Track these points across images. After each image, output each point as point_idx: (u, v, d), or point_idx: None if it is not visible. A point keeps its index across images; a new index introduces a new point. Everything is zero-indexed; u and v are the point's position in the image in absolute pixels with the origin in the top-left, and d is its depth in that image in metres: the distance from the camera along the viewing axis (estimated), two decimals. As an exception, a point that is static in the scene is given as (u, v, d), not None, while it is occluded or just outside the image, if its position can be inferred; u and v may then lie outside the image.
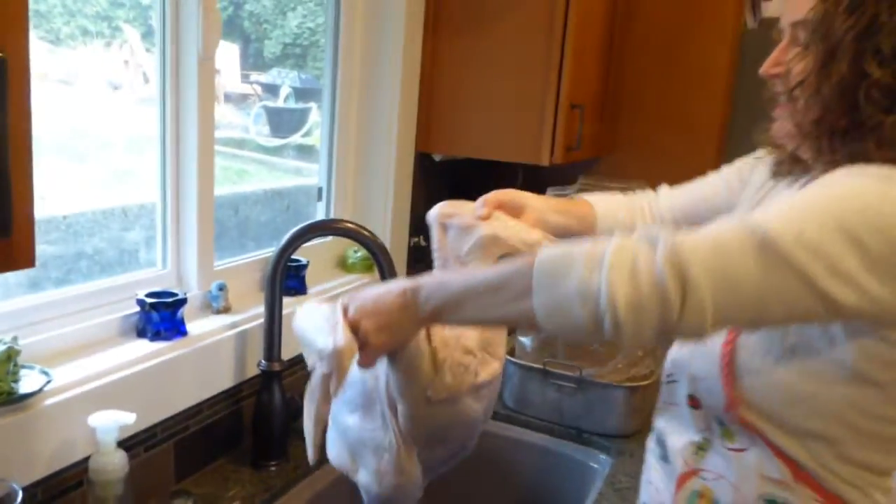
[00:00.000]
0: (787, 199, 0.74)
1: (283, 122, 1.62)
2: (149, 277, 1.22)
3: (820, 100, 0.76)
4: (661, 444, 0.94)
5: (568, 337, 0.70)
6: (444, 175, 1.90)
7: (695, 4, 1.92)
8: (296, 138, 1.64)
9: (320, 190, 1.65)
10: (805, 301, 0.66)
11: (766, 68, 0.84)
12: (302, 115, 1.63)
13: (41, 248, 1.04)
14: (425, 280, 0.79)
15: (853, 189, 0.70)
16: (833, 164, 0.76)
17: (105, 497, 0.93)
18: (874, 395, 0.74)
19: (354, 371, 0.89)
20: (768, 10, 1.90)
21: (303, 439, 0.95)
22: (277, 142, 1.61)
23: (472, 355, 0.92)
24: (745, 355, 0.79)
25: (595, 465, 1.42)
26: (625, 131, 2.05)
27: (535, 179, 2.08)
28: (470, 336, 0.93)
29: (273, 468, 1.23)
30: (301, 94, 1.61)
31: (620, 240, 0.68)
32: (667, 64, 1.98)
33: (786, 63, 0.81)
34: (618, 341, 0.67)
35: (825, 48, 0.75)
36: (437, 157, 1.81)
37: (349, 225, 1.21)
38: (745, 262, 0.65)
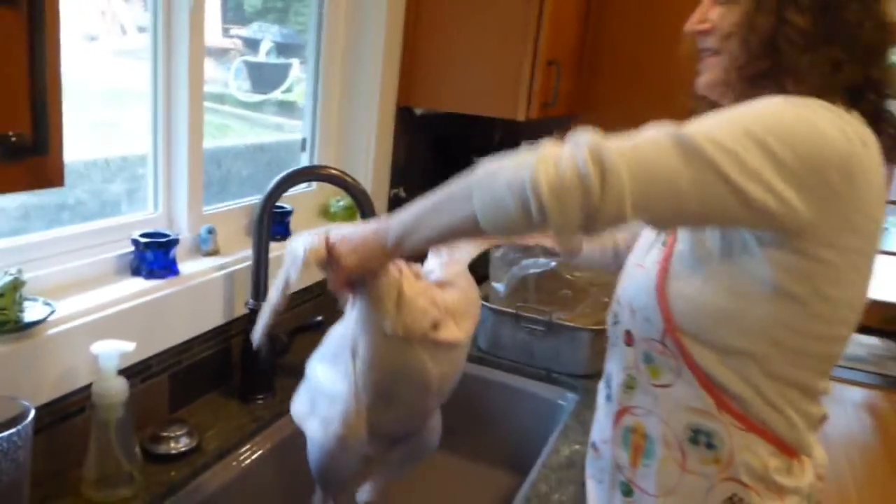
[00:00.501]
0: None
1: (263, 77, 1.63)
2: (142, 220, 1.28)
3: (746, 48, 0.83)
4: (608, 384, 1.01)
5: (506, 231, 0.76)
6: (424, 128, 1.96)
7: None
8: (276, 94, 1.66)
9: (304, 141, 1.70)
10: (718, 194, 0.72)
11: (692, 25, 0.91)
12: (283, 71, 1.65)
13: (22, 199, 1.10)
14: (394, 219, 0.87)
15: (769, 106, 0.77)
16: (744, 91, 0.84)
17: (107, 420, 1.00)
18: (797, 311, 0.81)
19: (334, 329, 1.01)
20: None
21: (291, 374, 1.12)
22: (258, 97, 1.62)
23: (436, 309, 0.97)
24: (676, 281, 0.86)
25: (563, 403, 1.52)
26: (601, 89, 2.10)
27: (513, 134, 2.15)
28: (440, 294, 0.99)
29: (260, 401, 1.31)
30: (282, 49, 1.62)
31: (548, 144, 0.74)
32: (644, 24, 2.02)
33: (711, 19, 0.88)
34: (547, 227, 0.72)
35: (751, 2, 0.82)
36: (418, 111, 1.87)
37: (333, 171, 1.27)
38: (661, 153, 0.72)
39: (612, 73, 2.09)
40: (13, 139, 0.50)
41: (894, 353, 4.81)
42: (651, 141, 0.73)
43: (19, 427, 0.82)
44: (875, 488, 3.16)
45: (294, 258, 0.89)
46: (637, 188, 0.70)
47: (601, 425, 1.03)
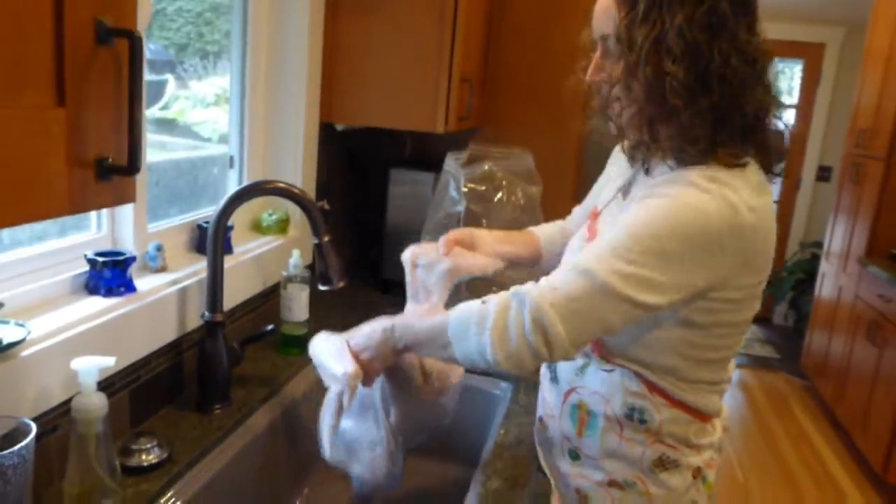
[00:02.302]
0: (607, 235, 0.94)
1: None
2: (87, 240, 1.28)
3: (634, 97, 0.95)
4: (552, 368, 1.17)
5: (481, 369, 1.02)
6: (344, 143, 2.04)
7: (560, -9, 2.17)
8: (154, 111, 1.59)
9: (232, 158, 1.74)
10: (636, 314, 0.90)
11: (590, 75, 1.02)
12: (158, 88, 1.61)
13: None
14: (398, 321, 1.08)
15: (657, 212, 0.90)
16: (660, 149, 0.98)
17: (86, 435, 1.02)
18: (701, 334, 0.99)
19: (369, 391, 1.22)
20: None
21: (244, 383, 1.36)
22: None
23: (447, 365, 1.20)
24: None
25: (497, 392, 1.64)
26: (501, 106, 2.27)
27: (422, 146, 2.27)
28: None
29: (218, 411, 1.34)
30: (154, 65, 1.58)
31: (499, 302, 0.94)
32: (536, 46, 2.21)
33: (606, 70, 0.99)
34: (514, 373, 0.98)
35: (631, 55, 0.92)
36: (339, 127, 1.95)
37: (281, 185, 1.33)
38: (586, 301, 0.90)
39: (509, 91, 2.26)
40: (109, 161, 0.56)
41: (757, 336, 5.34)
42: (574, 287, 0.90)
43: (26, 441, 0.84)
44: (752, 457, 3.53)
45: (340, 385, 1.09)
46: (572, 335, 0.90)
47: (547, 402, 1.18)
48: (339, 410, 1.11)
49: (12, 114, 0.49)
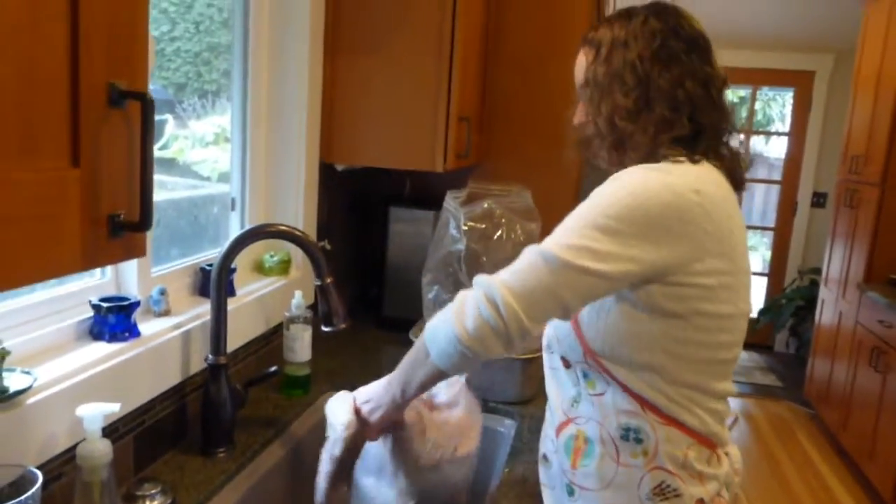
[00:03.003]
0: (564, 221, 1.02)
1: None
2: (92, 286, 1.29)
3: (601, 130, 1.09)
4: (550, 404, 1.18)
5: (465, 370, 1.13)
6: (344, 182, 2.06)
7: (555, 25, 2.20)
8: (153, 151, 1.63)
9: (233, 200, 1.76)
10: (587, 283, 0.96)
11: (575, 120, 1.17)
12: (157, 128, 1.64)
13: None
14: (396, 374, 1.15)
15: (602, 195, 0.99)
16: (622, 165, 1.08)
17: (92, 482, 1.02)
18: (680, 325, 1.01)
19: (373, 444, 1.26)
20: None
21: (248, 426, 1.41)
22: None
23: (453, 436, 1.25)
24: (583, 317, 1.06)
25: (502, 429, 1.64)
26: (499, 141, 2.30)
27: (422, 185, 2.30)
28: (453, 423, 1.27)
29: (221, 454, 1.34)
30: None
31: (463, 292, 1.02)
32: (532, 80, 2.25)
33: (587, 114, 1.13)
34: (488, 358, 0.99)
35: (595, 93, 1.09)
36: (339, 167, 1.97)
37: (283, 228, 1.35)
38: (534, 273, 0.96)
39: (507, 127, 2.29)
40: (121, 217, 0.57)
41: (758, 364, 5.33)
42: (525, 265, 0.97)
43: (32, 490, 0.84)
44: (758, 486, 3.49)
45: (335, 434, 1.20)
46: (526, 309, 0.95)
47: (549, 438, 1.18)
48: (332, 460, 1.20)
49: (29, 177, 0.51)
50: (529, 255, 0.98)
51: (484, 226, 1.70)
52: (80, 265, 0.56)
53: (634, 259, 0.95)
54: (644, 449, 1.03)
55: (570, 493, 1.11)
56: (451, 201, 1.71)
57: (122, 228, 0.58)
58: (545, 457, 1.20)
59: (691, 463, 1.04)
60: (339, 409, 1.20)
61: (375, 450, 1.26)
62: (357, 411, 1.19)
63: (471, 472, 1.31)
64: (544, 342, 1.19)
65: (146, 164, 0.59)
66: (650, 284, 0.98)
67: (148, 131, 0.59)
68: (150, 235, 1.36)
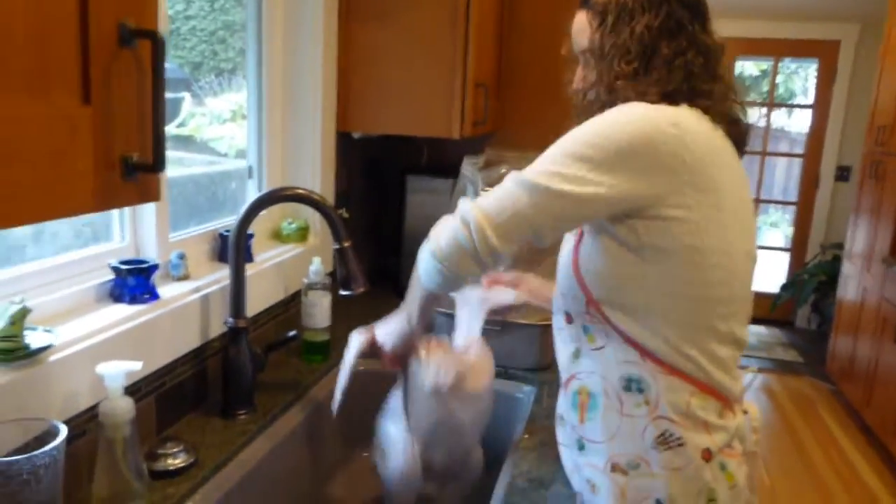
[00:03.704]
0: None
1: None
2: (111, 250, 1.31)
3: (598, 95, 1.08)
4: (558, 363, 1.19)
5: (450, 289, 1.14)
6: (361, 151, 2.05)
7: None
8: (171, 129, 1.63)
9: (250, 168, 1.76)
10: (559, 206, 0.97)
11: (575, 84, 1.16)
12: (174, 105, 1.65)
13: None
14: (403, 306, 1.26)
15: (583, 126, 1.00)
16: None
17: (114, 438, 1.03)
18: (672, 262, 1.00)
19: (392, 393, 1.35)
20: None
21: (268, 389, 1.45)
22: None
23: (460, 366, 1.29)
24: (584, 262, 1.06)
25: (520, 395, 1.64)
26: (517, 108, 2.28)
27: (439, 153, 2.28)
28: (461, 357, 1.32)
29: (242, 416, 1.35)
30: (170, 83, 1.58)
31: (445, 216, 1.06)
32: (549, 46, 2.20)
33: (587, 79, 1.12)
34: (462, 277, 1.05)
35: (602, 63, 1.08)
36: (355, 135, 1.97)
37: (300, 191, 1.35)
38: (508, 195, 0.99)
39: (524, 93, 2.27)
40: (134, 159, 0.57)
41: (780, 339, 5.28)
42: (502, 189, 1.01)
43: (57, 442, 0.85)
44: (780, 461, 3.48)
45: (352, 349, 1.34)
46: (496, 228, 0.98)
47: (562, 397, 1.18)
48: (346, 367, 1.33)
49: (40, 111, 0.51)
50: (507, 181, 1.01)
51: (502, 191, 1.68)
52: (93, 205, 0.56)
53: (604, 184, 0.96)
54: (646, 398, 1.03)
55: (581, 447, 1.11)
56: (468, 167, 1.70)
57: (136, 170, 0.58)
58: (561, 417, 1.21)
59: (694, 411, 1.02)
60: (358, 337, 1.36)
61: (394, 395, 1.34)
62: (375, 338, 1.32)
63: (479, 417, 1.34)
64: (553, 301, 1.18)
65: (158, 106, 0.59)
66: (631, 219, 0.98)
67: (159, 72, 0.59)
68: (168, 204, 1.37)
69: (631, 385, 1.04)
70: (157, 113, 0.59)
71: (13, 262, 1.15)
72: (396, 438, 1.29)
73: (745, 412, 1.10)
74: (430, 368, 1.26)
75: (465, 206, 1.02)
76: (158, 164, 0.60)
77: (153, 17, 0.60)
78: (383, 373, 1.65)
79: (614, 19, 1.06)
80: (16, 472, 0.82)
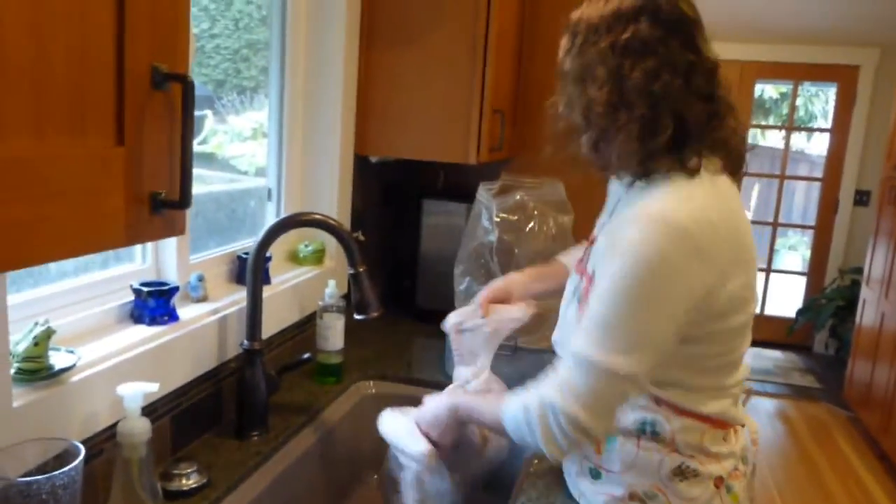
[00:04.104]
0: (591, 311, 0.99)
1: None
2: (133, 271, 1.34)
3: (577, 125, 1.05)
4: None
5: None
6: (378, 174, 2.08)
7: (589, 22, 2.19)
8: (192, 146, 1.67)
9: (270, 191, 1.79)
10: (644, 365, 0.96)
11: (560, 108, 1.11)
12: (197, 123, 1.67)
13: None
14: (461, 402, 1.22)
15: (615, 274, 0.95)
16: (611, 167, 1.07)
17: (131, 459, 1.05)
18: (699, 347, 1.02)
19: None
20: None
21: (281, 411, 1.43)
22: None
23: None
24: None
25: (531, 420, 1.64)
26: (531, 134, 2.29)
27: (456, 178, 2.30)
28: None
29: (255, 437, 1.37)
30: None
31: (536, 412, 1.01)
32: (566, 74, 2.24)
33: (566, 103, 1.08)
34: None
35: (571, 87, 1.04)
36: (373, 159, 2.00)
37: (318, 216, 1.37)
38: (602, 391, 0.97)
39: (542, 119, 2.26)
40: (162, 196, 0.60)
41: (797, 365, 5.23)
42: (586, 384, 0.97)
43: (75, 463, 0.87)
44: (795, 489, 3.43)
45: (416, 460, 1.25)
46: (604, 420, 0.99)
47: None
48: (420, 486, 1.26)
49: (77, 152, 0.53)
50: (586, 374, 0.97)
51: (516, 217, 1.70)
52: (124, 240, 0.58)
53: (673, 317, 0.95)
54: (661, 440, 1.06)
55: (597, 476, 1.13)
56: (483, 193, 1.72)
57: (163, 206, 0.61)
58: None
59: (707, 446, 1.06)
60: (407, 438, 1.25)
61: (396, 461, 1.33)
62: (426, 434, 1.25)
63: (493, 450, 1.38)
64: (553, 339, 1.20)
65: (186, 145, 0.62)
66: None
67: (188, 113, 0.61)
68: (188, 225, 1.40)
69: (645, 428, 1.07)
70: (186, 152, 0.62)
71: (38, 280, 1.18)
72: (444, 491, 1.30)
73: (743, 426, 1.13)
74: (479, 438, 1.32)
75: (565, 412, 0.97)
76: (185, 200, 0.62)
77: (185, 60, 0.63)
78: (396, 395, 1.66)
79: (582, 40, 1.02)
80: (35, 492, 0.84)
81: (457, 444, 1.29)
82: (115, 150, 0.57)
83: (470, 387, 1.36)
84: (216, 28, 1.64)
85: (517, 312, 1.37)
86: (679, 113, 0.98)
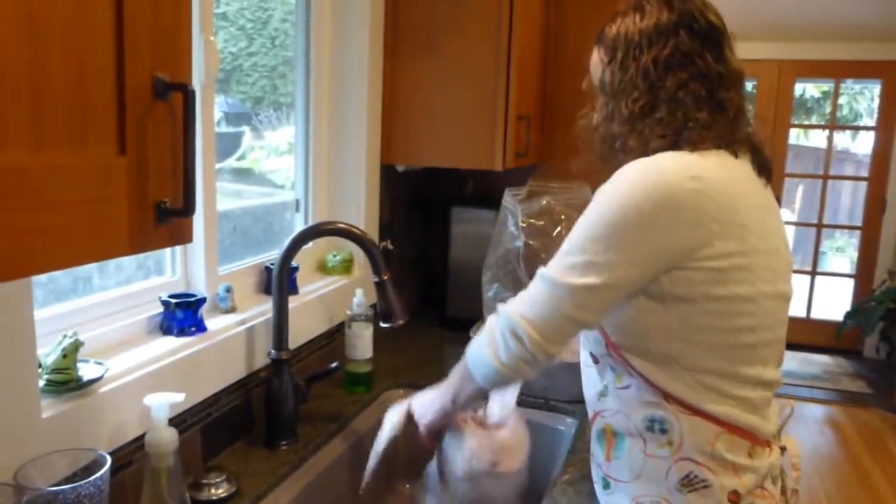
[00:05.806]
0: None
1: (218, 146, 1.64)
2: (162, 283, 1.36)
3: (611, 132, 1.10)
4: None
5: (505, 386, 1.26)
6: (405, 183, 2.09)
7: (616, 25, 2.17)
8: (230, 162, 1.68)
9: (297, 202, 1.81)
10: (598, 299, 0.98)
11: (595, 119, 1.15)
12: (236, 139, 1.70)
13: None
14: (446, 385, 1.25)
15: (595, 203, 1.00)
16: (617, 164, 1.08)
17: (159, 468, 1.06)
18: (694, 312, 0.99)
19: (429, 466, 1.37)
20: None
21: (310, 420, 1.47)
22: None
23: (493, 452, 1.30)
24: None
25: (562, 428, 1.62)
26: (559, 139, 2.28)
27: (484, 185, 2.30)
28: (495, 440, 1.31)
29: (285, 447, 1.38)
30: (231, 118, 1.67)
31: (490, 322, 1.09)
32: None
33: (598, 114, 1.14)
34: (520, 378, 1.12)
35: (611, 99, 1.08)
36: (399, 168, 2.00)
37: (341, 225, 1.38)
38: (549, 304, 1.00)
39: (568, 124, 2.25)
40: (167, 204, 0.61)
41: (846, 369, 5.07)
42: (537, 294, 1.02)
43: (101, 472, 0.88)
44: (846, 496, 3.32)
45: (387, 428, 1.32)
46: (547, 336, 1.01)
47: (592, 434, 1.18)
48: (375, 455, 1.32)
49: (78, 161, 0.54)
50: (540, 284, 1.02)
51: (542, 222, 1.69)
52: (129, 249, 0.59)
53: (637, 262, 0.96)
54: (669, 439, 1.02)
55: (606, 486, 1.11)
56: (509, 198, 1.71)
57: (168, 215, 0.62)
58: (592, 453, 1.20)
59: (720, 453, 1.00)
60: (394, 414, 1.32)
61: (434, 468, 1.35)
62: (410, 416, 1.29)
63: (514, 492, 1.34)
64: (577, 339, 1.18)
65: (189, 153, 0.63)
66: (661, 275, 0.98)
67: (190, 122, 0.62)
68: (217, 237, 1.42)
69: (654, 425, 1.03)
70: (188, 160, 0.63)
71: (80, 292, 1.21)
72: None
73: (784, 448, 1.07)
74: (465, 453, 1.28)
75: (508, 316, 1.03)
76: (189, 208, 0.63)
77: (188, 70, 0.63)
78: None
79: (623, 55, 1.06)
80: (61, 502, 0.85)
81: (442, 434, 1.32)
82: (118, 160, 0.58)
83: (491, 420, 1.37)
84: (253, 46, 1.67)
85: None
86: (695, 117, 1.02)
